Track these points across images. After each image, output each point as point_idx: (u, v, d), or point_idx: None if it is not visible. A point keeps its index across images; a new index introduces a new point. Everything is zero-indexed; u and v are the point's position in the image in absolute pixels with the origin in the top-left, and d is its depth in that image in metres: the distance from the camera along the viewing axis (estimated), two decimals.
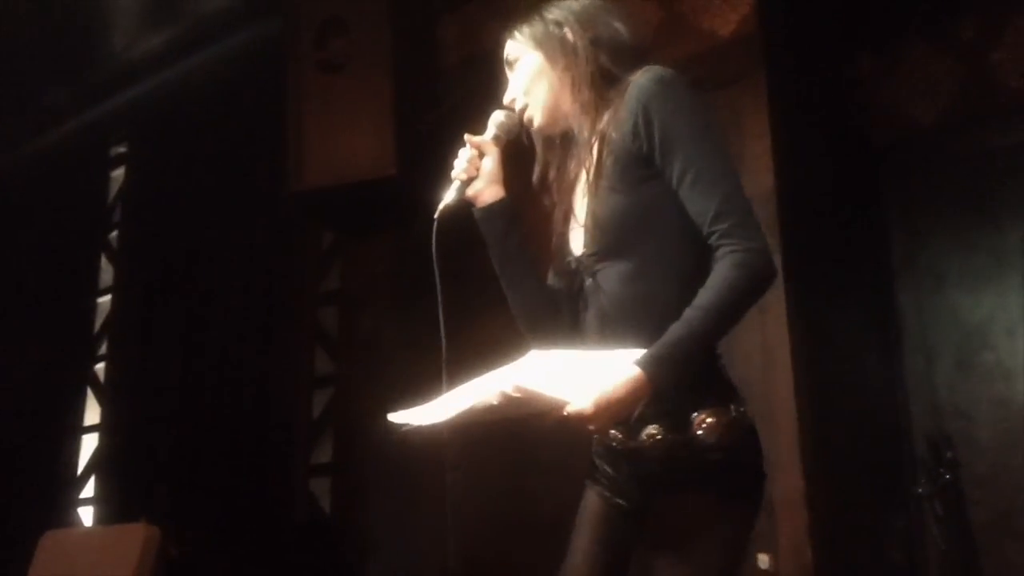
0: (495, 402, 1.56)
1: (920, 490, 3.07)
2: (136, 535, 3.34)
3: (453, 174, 1.84)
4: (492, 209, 1.85)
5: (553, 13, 1.81)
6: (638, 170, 1.67)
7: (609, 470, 1.79)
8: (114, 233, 5.36)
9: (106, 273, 5.34)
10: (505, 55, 1.88)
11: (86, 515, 4.96)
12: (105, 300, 5.27)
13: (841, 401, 3.09)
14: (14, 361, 5.40)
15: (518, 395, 1.52)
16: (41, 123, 5.45)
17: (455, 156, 1.92)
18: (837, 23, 3.55)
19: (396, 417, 1.65)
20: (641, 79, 1.69)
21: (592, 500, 1.82)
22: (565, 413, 1.54)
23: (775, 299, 2.93)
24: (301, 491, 4.14)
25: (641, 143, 1.66)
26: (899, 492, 3.26)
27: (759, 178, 3.05)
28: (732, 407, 1.66)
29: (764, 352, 2.93)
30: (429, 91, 3.79)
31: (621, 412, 1.55)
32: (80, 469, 5.07)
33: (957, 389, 3.30)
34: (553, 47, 1.79)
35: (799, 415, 2.83)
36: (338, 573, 3.80)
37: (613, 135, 1.70)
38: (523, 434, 2.23)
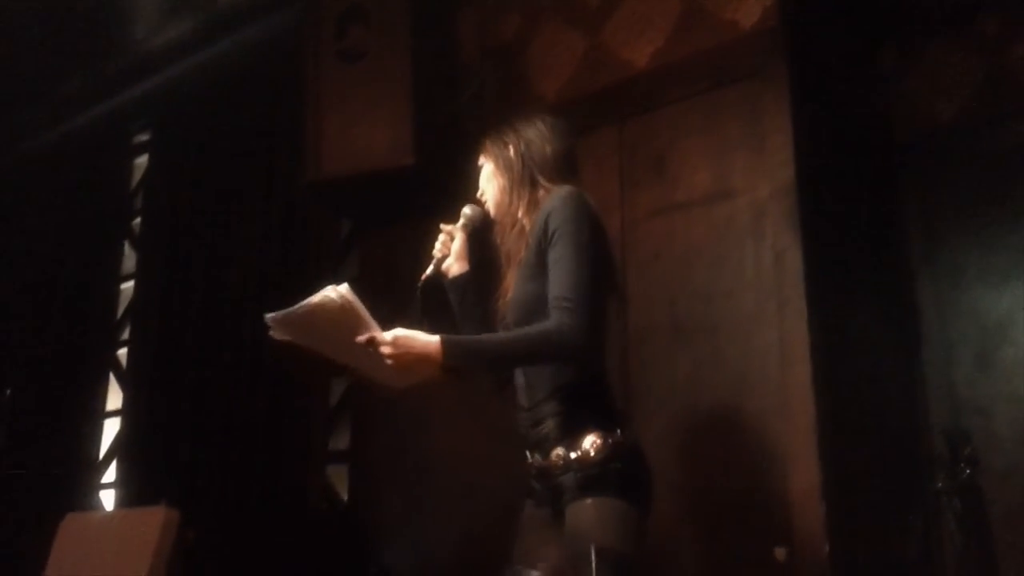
0: (325, 299, 2.01)
1: (938, 485, 3.06)
2: (155, 518, 3.37)
3: (433, 253, 2.44)
4: (455, 281, 2.47)
5: (507, 135, 2.41)
6: (544, 262, 2.19)
7: (537, 486, 2.30)
8: (137, 220, 5.40)
9: (129, 259, 5.39)
10: (479, 161, 2.47)
11: (107, 499, 5.02)
12: (128, 286, 5.31)
13: (859, 396, 3.07)
14: (38, 346, 5.46)
15: (347, 296, 2.01)
16: (64, 111, 5.49)
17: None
18: (860, 17, 3.52)
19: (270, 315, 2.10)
20: (555, 194, 2.25)
21: (527, 512, 2.35)
22: (369, 335, 2.05)
23: (794, 294, 2.92)
24: (318, 478, 4.16)
25: (543, 241, 2.20)
26: (916, 487, 3.24)
27: (778, 171, 3.03)
28: (616, 431, 2.17)
29: (782, 346, 2.92)
30: (447, 81, 3.80)
31: (410, 355, 2.07)
32: (102, 453, 5.13)
33: (976, 385, 3.28)
34: (499, 159, 2.39)
35: (816, 409, 2.81)
36: (353, 559, 3.82)
37: (531, 238, 2.25)
38: None
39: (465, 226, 2.49)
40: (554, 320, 2.10)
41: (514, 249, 2.35)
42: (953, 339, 3.34)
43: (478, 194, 2.47)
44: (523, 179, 2.35)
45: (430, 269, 2.42)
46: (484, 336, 2.24)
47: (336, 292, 2.02)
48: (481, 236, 2.51)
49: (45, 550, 3.66)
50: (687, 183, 3.27)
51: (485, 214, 2.47)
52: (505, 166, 2.38)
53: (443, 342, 2.08)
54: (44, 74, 5.10)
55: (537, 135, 2.39)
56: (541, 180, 2.34)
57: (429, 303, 2.37)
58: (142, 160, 5.49)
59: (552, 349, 2.13)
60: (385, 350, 2.06)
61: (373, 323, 2.08)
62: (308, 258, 4.40)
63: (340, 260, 4.44)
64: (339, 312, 2.04)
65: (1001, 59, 3.37)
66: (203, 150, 4.95)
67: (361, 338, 2.06)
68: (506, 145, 2.39)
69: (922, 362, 3.39)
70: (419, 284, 2.38)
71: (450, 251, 2.47)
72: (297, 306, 2.05)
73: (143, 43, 4.88)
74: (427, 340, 2.08)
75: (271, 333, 2.14)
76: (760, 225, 3.06)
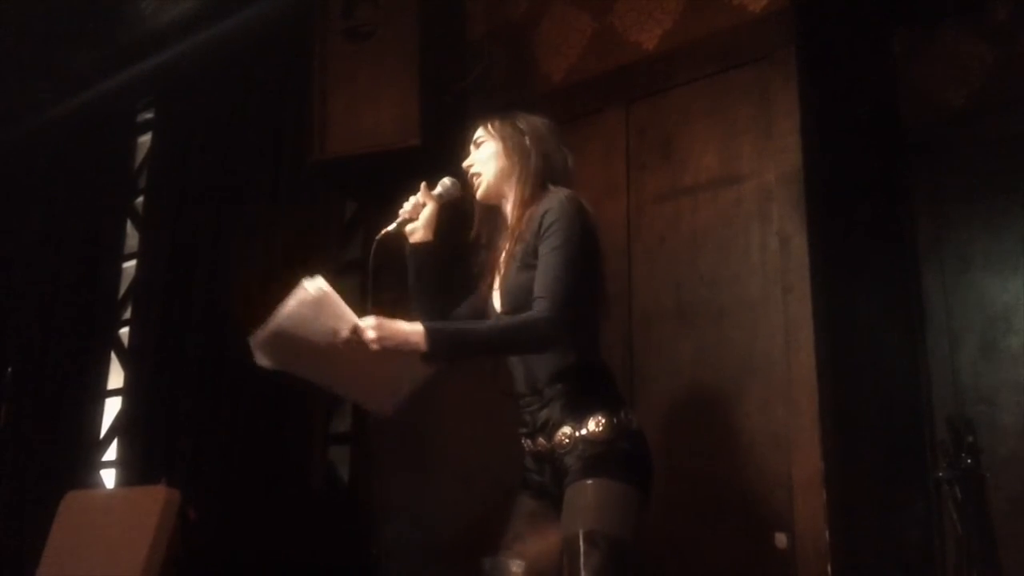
0: (302, 292, 2.00)
1: (940, 473, 3.05)
2: (156, 497, 3.37)
3: (400, 212, 2.46)
4: (417, 249, 2.48)
5: (522, 122, 2.42)
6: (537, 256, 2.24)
7: (537, 477, 2.32)
8: (140, 199, 5.39)
9: (131, 239, 5.38)
10: (475, 136, 2.47)
11: (108, 477, 5.02)
12: (130, 265, 5.30)
13: (863, 382, 3.07)
14: (40, 325, 5.46)
15: (323, 288, 2.00)
16: (68, 88, 5.48)
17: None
18: (870, 2, 3.50)
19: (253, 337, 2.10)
20: (554, 196, 2.28)
21: (523, 501, 2.35)
22: (352, 324, 2.03)
23: (799, 279, 2.92)
24: (320, 459, 4.16)
25: (539, 236, 2.23)
26: (918, 475, 3.24)
27: (786, 156, 3.02)
28: (621, 412, 2.22)
29: (787, 331, 2.92)
30: (455, 62, 3.78)
31: (395, 340, 2.05)
32: (103, 432, 5.13)
33: (980, 373, 3.27)
34: (512, 144, 2.39)
35: (820, 395, 2.81)
36: (354, 539, 3.82)
37: (526, 233, 2.27)
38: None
39: (440, 196, 2.50)
40: (532, 312, 2.15)
41: (506, 236, 2.38)
42: (958, 327, 3.34)
43: (465, 165, 2.47)
44: (533, 172, 2.36)
45: (393, 226, 2.46)
46: (464, 325, 2.27)
47: (311, 284, 2.01)
48: (451, 211, 2.54)
49: (45, 528, 3.66)
50: (694, 167, 3.26)
51: (461, 191, 2.49)
52: (516, 152, 2.38)
53: (427, 330, 2.07)
54: (49, 50, 5.08)
55: (549, 134, 2.43)
56: (548, 178, 2.37)
57: (381, 258, 2.42)
58: (145, 139, 5.48)
59: (527, 339, 2.18)
60: (370, 334, 2.03)
61: (351, 313, 2.05)
62: (313, 238, 4.39)
63: (344, 241, 4.42)
64: (317, 306, 2.02)
65: (1011, 45, 3.35)
66: (207, 129, 4.94)
67: (344, 332, 2.03)
68: (521, 133, 2.40)
69: (926, 349, 3.39)
70: (377, 236, 2.42)
71: (418, 216, 2.49)
72: (276, 313, 2.02)
73: (148, 20, 4.86)
74: (410, 326, 2.07)
75: (257, 360, 2.11)
76: (767, 210, 3.05)
